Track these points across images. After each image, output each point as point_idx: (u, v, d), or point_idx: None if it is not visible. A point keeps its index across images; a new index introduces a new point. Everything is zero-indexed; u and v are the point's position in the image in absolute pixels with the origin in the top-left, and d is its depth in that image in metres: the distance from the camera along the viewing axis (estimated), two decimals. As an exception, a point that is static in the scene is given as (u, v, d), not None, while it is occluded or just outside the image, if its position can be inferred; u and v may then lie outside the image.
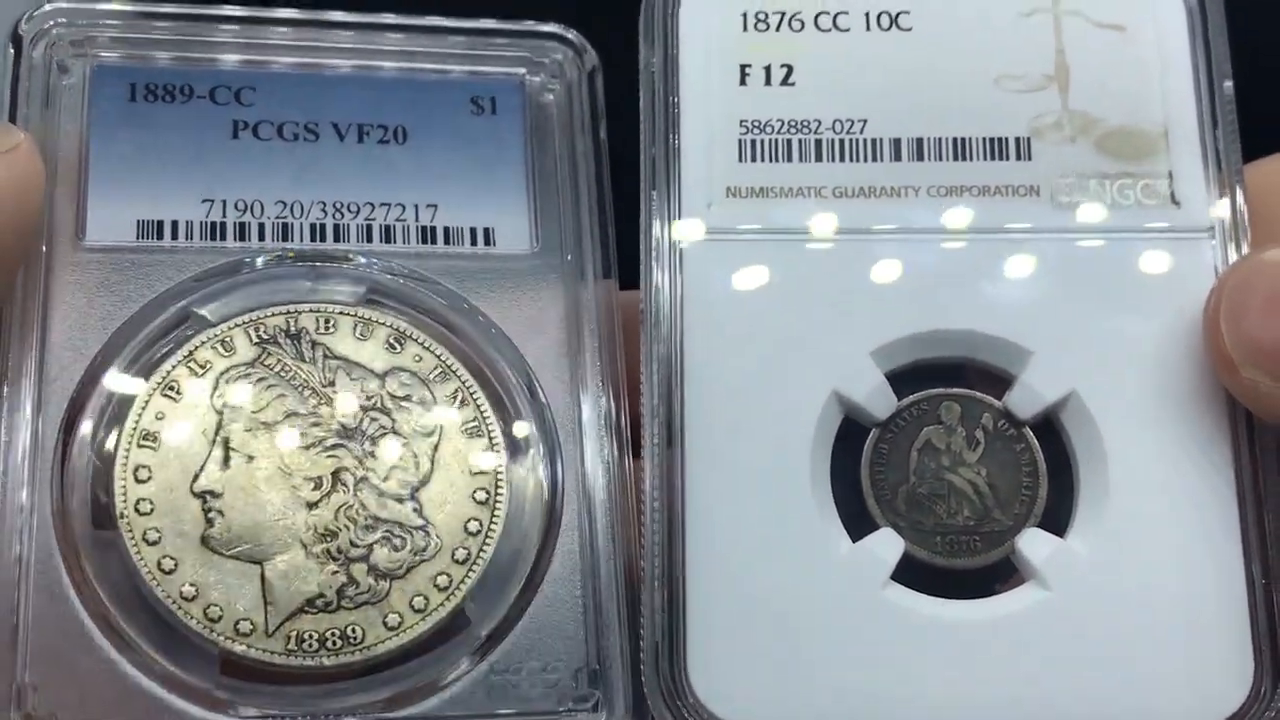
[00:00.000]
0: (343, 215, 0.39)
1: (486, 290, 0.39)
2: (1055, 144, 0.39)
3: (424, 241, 0.39)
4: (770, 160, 0.38)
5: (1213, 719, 0.35)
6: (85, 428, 0.36)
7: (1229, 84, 0.39)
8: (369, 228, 0.39)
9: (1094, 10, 0.40)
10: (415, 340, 0.38)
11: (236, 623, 0.35)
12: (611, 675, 0.37)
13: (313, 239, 0.39)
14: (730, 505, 0.36)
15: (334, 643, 0.35)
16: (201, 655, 0.35)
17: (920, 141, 0.39)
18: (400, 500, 0.36)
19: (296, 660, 0.35)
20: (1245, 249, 0.37)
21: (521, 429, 0.38)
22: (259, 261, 0.38)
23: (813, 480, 0.36)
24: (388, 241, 0.39)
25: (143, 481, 0.36)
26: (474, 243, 0.40)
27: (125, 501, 0.35)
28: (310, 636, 0.35)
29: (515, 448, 0.38)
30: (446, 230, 0.39)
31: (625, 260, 0.40)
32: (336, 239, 0.39)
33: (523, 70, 0.42)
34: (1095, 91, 0.39)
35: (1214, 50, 0.39)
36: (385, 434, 0.37)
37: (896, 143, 0.39)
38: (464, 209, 0.40)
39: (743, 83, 0.39)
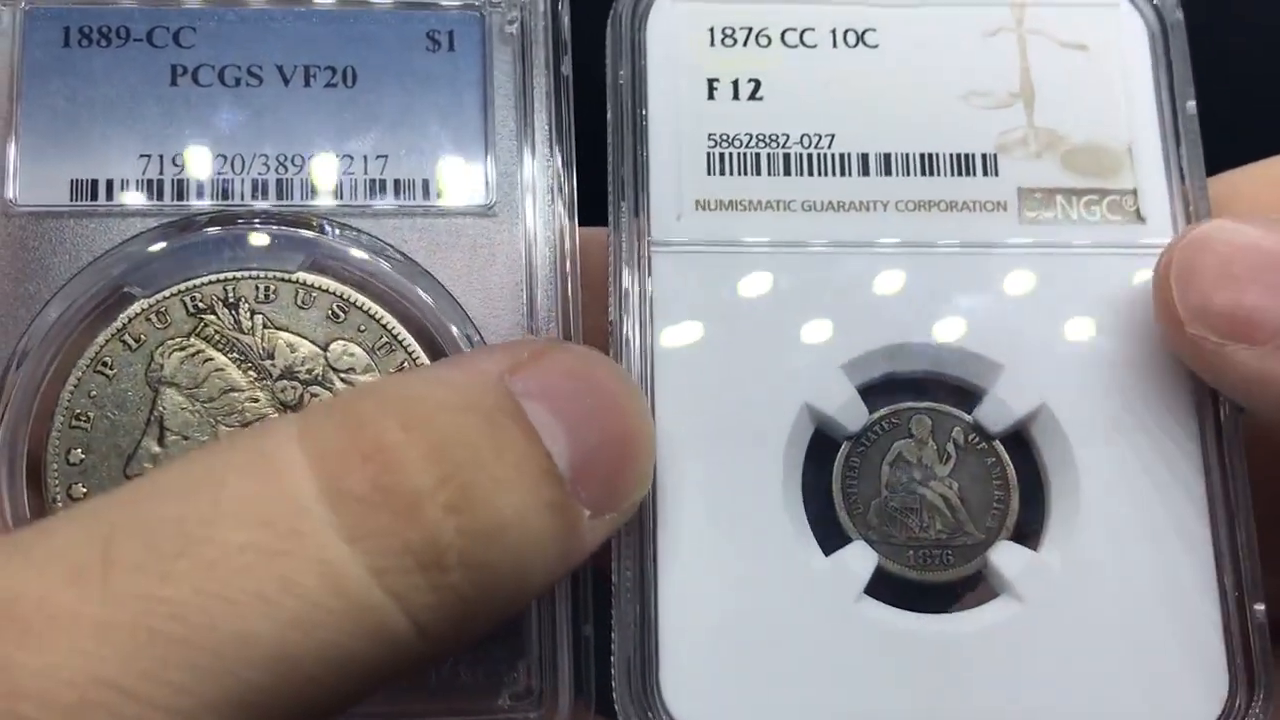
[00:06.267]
0: (286, 169, 0.37)
1: (438, 249, 0.37)
2: (1022, 160, 0.39)
3: (372, 196, 0.37)
4: (739, 174, 0.38)
5: (1188, 732, 0.35)
6: (15, 407, 0.35)
7: (1192, 103, 0.39)
8: (313, 183, 0.37)
9: (1058, 30, 0.40)
10: (360, 309, 0.36)
11: None
12: (556, 669, 0.35)
13: (254, 196, 0.37)
14: (702, 519, 0.35)
15: None
16: None
17: (888, 156, 0.39)
18: None
19: None
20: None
21: None
22: (197, 225, 0.36)
23: (784, 493, 0.36)
24: (334, 198, 0.37)
25: (75, 465, 0.34)
26: (426, 196, 0.37)
27: (59, 485, 0.34)
28: None
29: None
30: (397, 183, 0.37)
31: (588, 198, 0.38)
32: (280, 196, 0.37)
33: (481, 0, 0.39)
34: (1060, 109, 0.39)
35: (1176, 70, 0.40)
36: None
37: (864, 157, 0.38)
38: (416, 159, 0.38)
39: (710, 97, 0.39)
